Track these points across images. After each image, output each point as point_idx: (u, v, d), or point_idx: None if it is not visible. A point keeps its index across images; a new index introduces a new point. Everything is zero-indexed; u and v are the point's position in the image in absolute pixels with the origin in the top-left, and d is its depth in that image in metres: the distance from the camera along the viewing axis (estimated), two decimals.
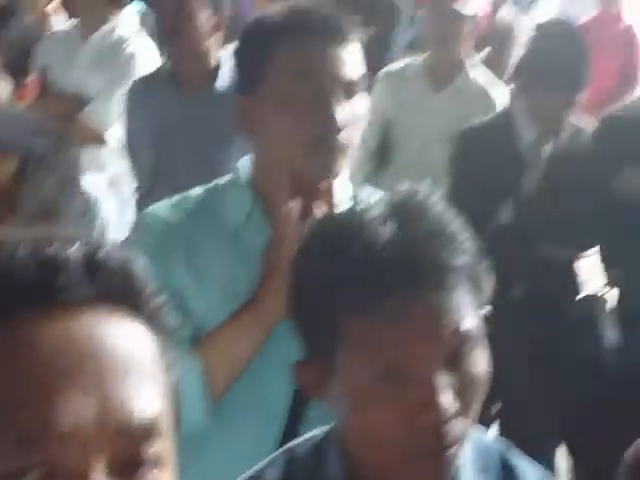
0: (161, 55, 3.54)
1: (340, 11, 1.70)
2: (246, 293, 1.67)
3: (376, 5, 6.24)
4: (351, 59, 1.66)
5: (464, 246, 1.17)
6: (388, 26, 6.24)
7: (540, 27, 3.71)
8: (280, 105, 1.63)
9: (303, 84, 1.63)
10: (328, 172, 1.66)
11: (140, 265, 0.77)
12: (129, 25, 3.91)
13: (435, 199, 1.20)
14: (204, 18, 3.21)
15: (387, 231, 1.15)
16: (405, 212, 1.17)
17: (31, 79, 2.04)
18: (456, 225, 1.18)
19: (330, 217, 1.29)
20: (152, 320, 0.77)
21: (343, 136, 1.64)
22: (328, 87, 1.63)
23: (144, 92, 3.34)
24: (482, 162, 3.19)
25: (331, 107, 1.62)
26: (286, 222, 1.62)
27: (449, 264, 1.14)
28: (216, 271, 1.69)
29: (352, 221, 1.20)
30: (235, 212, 1.71)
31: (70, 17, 3.90)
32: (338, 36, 1.65)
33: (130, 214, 3.41)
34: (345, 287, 1.15)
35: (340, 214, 1.28)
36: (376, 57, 5.27)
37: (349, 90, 1.65)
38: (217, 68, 3.25)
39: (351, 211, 1.26)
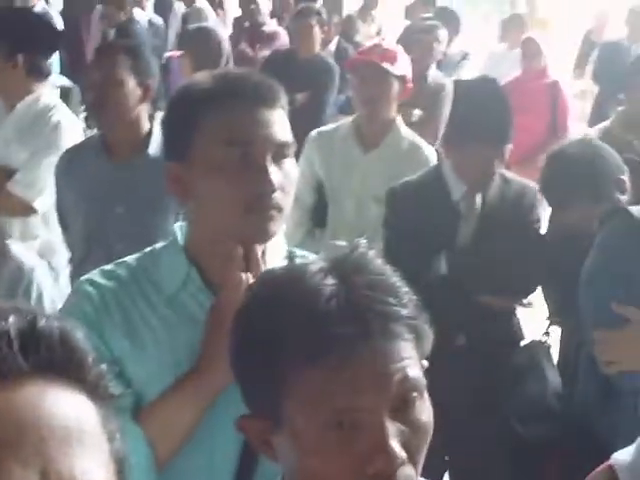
0: (90, 125, 3.55)
1: (268, 77, 1.72)
2: (187, 359, 1.65)
3: (312, 68, 6.32)
4: (280, 122, 1.68)
5: (405, 298, 1.19)
6: (323, 89, 6.31)
7: (465, 84, 3.80)
8: (211, 170, 1.64)
9: (233, 148, 1.63)
10: (264, 233, 1.66)
11: (79, 335, 0.77)
12: (52, 95, 3.91)
13: (373, 254, 1.23)
14: (132, 86, 3.24)
15: (329, 283, 1.16)
16: (345, 266, 1.19)
17: None
18: (396, 278, 1.21)
19: (270, 273, 1.29)
20: (93, 390, 0.77)
21: (277, 197, 1.64)
22: (259, 149, 1.64)
23: (75, 161, 3.35)
24: (414, 217, 3.24)
25: (263, 168, 1.63)
26: (235, 291, 1.61)
27: (393, 314, 1.16)
28: (154, 338, 1.67)
29: (293, 275, 1.21)
30: (170, 278, 1.70)
31: None
32: (266, 100, 1.66)
33: (64, 283, 3.38)
34: (291, 340, 1.16)
35: (280, 269, 1.29)
36: (311, 119, 5.33)
37: (280, 152, 1.66)
38: (149, 134, 3.29)
39: (291, 266, 1.28)
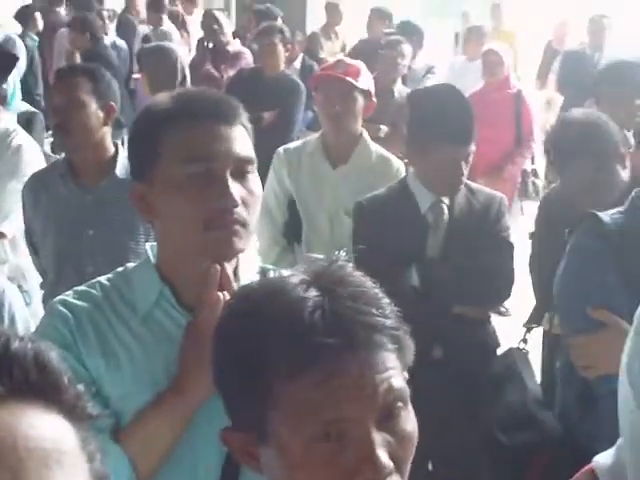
0: (55, 150, 3.54)
1: (226, 95, 1.76)
2: (163, 377, 1.65)
3: (278, 86, 6.32)
4: (240, 138, 1.68)
5: (387, 308, 1.19)
6: (290, 107, 6.32)
7: (421, 91, 3.83)
8: (171, 188, 1.64)
9: (193, 165, 1.63)
10: (228, 249, 1.65)
11: (54, 356, 0.77)
12: (9, 120, 3.90)
13: (352, 267, 1.23)
14: (94, 108, 3.25)
15: (312, 295, 1.16)
16: (326, 278, 1.19)
17: None
18: (377, 289, 1.21)
19: (248, 287, 1.28)
20: (70, 411, 0.76)
21: (240, 212, 1.64)
22: (219, 165, 1.64)
23: (42, 186, 3.35)
24: (382, 231, 3.24)
25: (224, 183, 1.63)
26: (211, 309, 1.61)
27: (377, 324, 1.16)
28: (130, 357, 1.67)
29: (274, 288, 1.20)
30: (144, 296, 1.70)
31: None
32: (225, 117, 1.67)
33: (36, 307, 3.37)
34: (275, 352, 1.15)
35: (258, 283, 1.28)
36: (279, 137, 5.33)
37: (241, 168, 1.66)
38: (115, 156, 3.29)
39: (269, 280, 1.27)
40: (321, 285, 1.18)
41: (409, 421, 1.19)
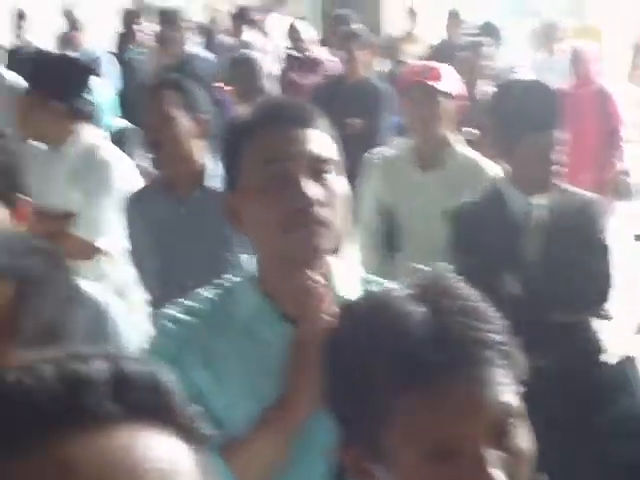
0: (153, 165, 3.56)
1: (303, 101, 1.84)
2: (266, 387, 1.67)
3: (361, 92, 6.32)
4: (316, 140, 1.70)
5: (497, 323, 1.18)
6: (373, 112, 6.30)
7: (502, 85, 3.78)
8: (252, 193, 1.68)
9: (269, 168, 1.66)
10: (309, 250, 1.66)
11: (168, 377, 0.76)
12: (95, 135, 3.93)
13: (457, 278, 1.21)
14: (184, 121, 3.26)
15: (419, 310, 1.15)
16: (432, 292, 1.18)
17: (23, 200, 2.02)
18: (484, 303, 1.19)
19: (354, 303, 1.28)
20: (185, 431, 0.76)
21: (318, 212, 1.64)
22: (294, 165, 1.66)
23: (141, 203, 3.38)
24: (479, 237, 3.19)
25: (299, 183, 1.64)
26: (313, 324, 1.62)
27: (486, 340, 1.15)
28: (233, 368, 1.69)
29: (380, 303, 1.20)
30: (245, 308, 1.72)
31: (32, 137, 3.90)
32: (300, 121, 1.70)
33: (140, 323, 3.40)
34: (386, 369, 1.15)
35: (363, 299, 1.28)
36: (365, 143, 5.32)
37: (318, 168, 1.68)
38: (207, 168, 3.30)
39: (374, 295, 1.27)
40: (427, 298, 1.16)
41: (524, 437, 1.17)
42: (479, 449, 1.12)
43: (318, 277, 1.67)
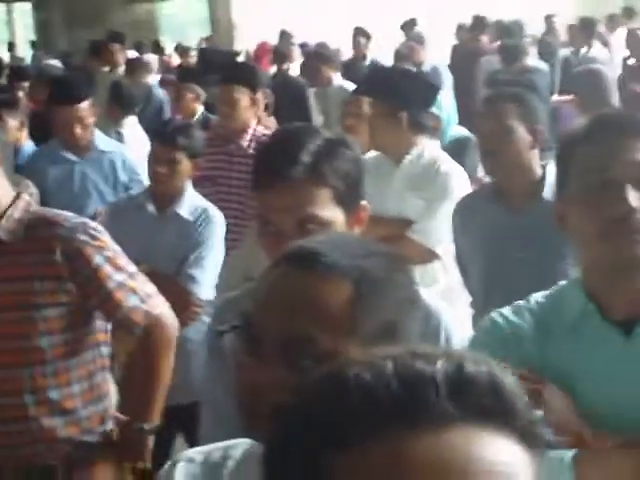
0: (486, 172, 3.59)
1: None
2: (585, 390, 1.66)
3: None
4: None
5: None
6: None
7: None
8: (577, 200, 1.68)
9: (595, 174, 1.65)
10: (627, 257, 1.63)
11: (510, 380, 0.75)
12: (434, 147, 4.02)
13: None
14: (521, 133, 3.28)
15: None
16: None
17: (361, 205, 2.10)
18: None
19: None
20: (525, 437, 0.74)
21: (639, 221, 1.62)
22: (621, 173, 1.63)
23: (469, 209, 3.44)
24: None
25: (620, 190, 1.62)
26: None
27: None
28: (560, 370, 1.69)
29: None
30: (570, 310, 1.73)
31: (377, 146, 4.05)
32: (630, 130, 1.68)
33: (466, 327, 3.43)
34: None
35: None
36: None
37: None
38: (541, 180, 3.30)
39: None
40: None
41: None
42: None
43: None
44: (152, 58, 12.35)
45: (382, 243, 1.40)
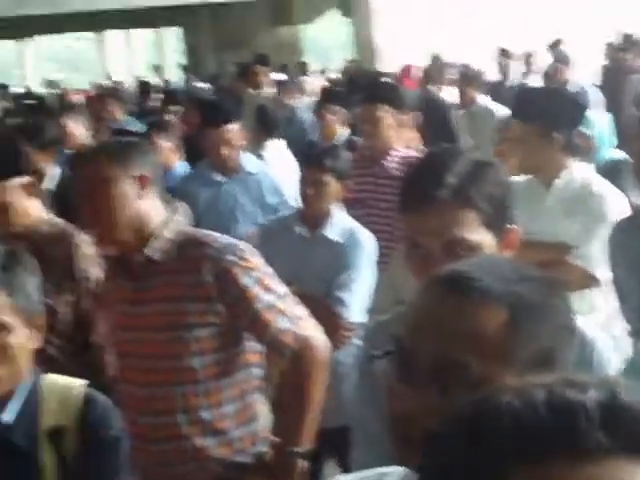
0: None
1: None
2: None
3: None
4: None
5: None
6: None
7: None
8: None
9: None
10: None
11: None
12: (587, 169, 3.94)
13: None
14: None
15: None
16: None
17: (512, 228, 2.07)
18: None
19: None
20: None
21: None
22: None
23: (624, 232, 3.33)
24: None
25: None
26: None
27: None
28: None
29: None
30: None
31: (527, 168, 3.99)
32: None
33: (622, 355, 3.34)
34: None
35: None
36: None
37: None
38: None
39: None
40: None
41: None
42: None
43: None
44: (308, 80, 12.45)
45: (539, 268, 1.36)
